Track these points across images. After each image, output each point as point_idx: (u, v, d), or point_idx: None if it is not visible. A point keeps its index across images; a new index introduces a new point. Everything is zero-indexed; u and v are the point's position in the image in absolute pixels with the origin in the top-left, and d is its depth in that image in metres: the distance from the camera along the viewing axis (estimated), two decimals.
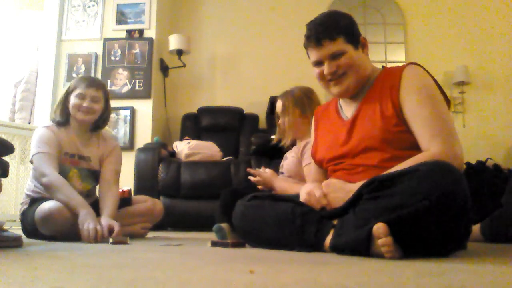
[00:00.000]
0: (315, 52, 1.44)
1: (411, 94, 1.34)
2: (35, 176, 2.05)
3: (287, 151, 2.16)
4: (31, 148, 2.05)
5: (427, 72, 1.40)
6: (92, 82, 2.13)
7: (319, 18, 1.46)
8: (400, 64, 1.51)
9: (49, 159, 1.96)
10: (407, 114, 1.34)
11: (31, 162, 2.03)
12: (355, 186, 1.29)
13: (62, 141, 2.08)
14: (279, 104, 2.11)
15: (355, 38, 1.44)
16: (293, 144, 2.16)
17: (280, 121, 2.10)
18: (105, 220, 1.87)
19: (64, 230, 1.87)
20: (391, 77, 1.41)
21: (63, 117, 2.10)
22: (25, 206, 2.04)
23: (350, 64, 1.42)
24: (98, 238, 1.77)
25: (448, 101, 1.39)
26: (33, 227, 1.92)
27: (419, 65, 1.41)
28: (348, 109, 1.52)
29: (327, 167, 1.55)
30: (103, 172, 2.16)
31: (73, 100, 2.07)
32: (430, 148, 1.29)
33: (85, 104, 2.07)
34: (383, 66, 1.54)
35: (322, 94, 2.55)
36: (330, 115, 1.60)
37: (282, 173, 2.12)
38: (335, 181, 1.40)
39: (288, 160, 2.08)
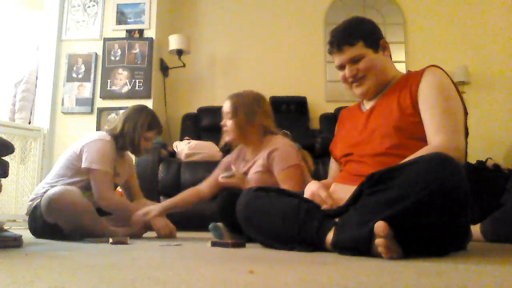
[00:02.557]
0: (337, 57, 1.54)
1: (428, 88, 1.40)
2: (83, 186, 2.10)
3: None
4: (89, 155, 2.07)
5: (447, 74, 1.46)
6: (161, 129, 2.36)
7: (340, 25, 1.55)
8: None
9: (110, 180, 2.12)
10: (421, 105, 1.39)
11: (89, 170, 2.06)
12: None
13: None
14: (227, 104, 2.07)
15: (374, 42, 1.51)
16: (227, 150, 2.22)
17: (223, 122, 2.10)
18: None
19: (67, 217, 1.91)
20: (412, 76, 1.48)
21: (130, 146, 2.24)
22: (38, 201, 2.03)
23: (369, 67, 1.50)
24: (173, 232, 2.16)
25: (463, 103, 1.43)
26: (44, 222, 1.96)
27: (440, 68, 1.47)
28: (368, 104, 1.60)
29: (341, 161, 1.60)
30: (133, 187, 2.43)
31: (144, 143, 2.25)
32: (432, 141, 1.33)
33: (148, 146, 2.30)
34: (408, 70, 1.61)
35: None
36: (353, 113, 1.68)
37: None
38: (341, 184, 1.46)
39: (255, 177, 1.98)
